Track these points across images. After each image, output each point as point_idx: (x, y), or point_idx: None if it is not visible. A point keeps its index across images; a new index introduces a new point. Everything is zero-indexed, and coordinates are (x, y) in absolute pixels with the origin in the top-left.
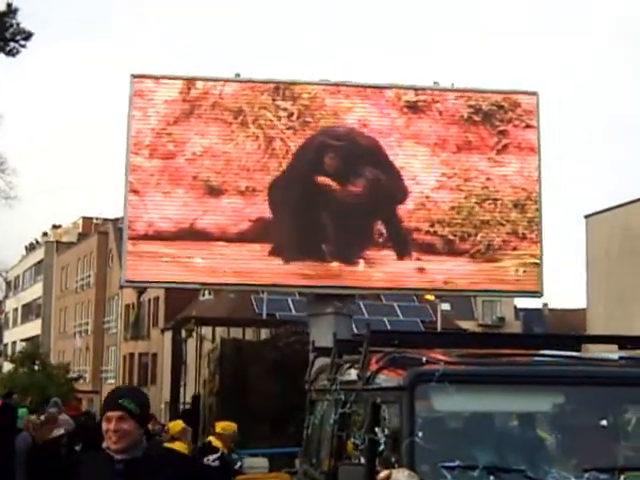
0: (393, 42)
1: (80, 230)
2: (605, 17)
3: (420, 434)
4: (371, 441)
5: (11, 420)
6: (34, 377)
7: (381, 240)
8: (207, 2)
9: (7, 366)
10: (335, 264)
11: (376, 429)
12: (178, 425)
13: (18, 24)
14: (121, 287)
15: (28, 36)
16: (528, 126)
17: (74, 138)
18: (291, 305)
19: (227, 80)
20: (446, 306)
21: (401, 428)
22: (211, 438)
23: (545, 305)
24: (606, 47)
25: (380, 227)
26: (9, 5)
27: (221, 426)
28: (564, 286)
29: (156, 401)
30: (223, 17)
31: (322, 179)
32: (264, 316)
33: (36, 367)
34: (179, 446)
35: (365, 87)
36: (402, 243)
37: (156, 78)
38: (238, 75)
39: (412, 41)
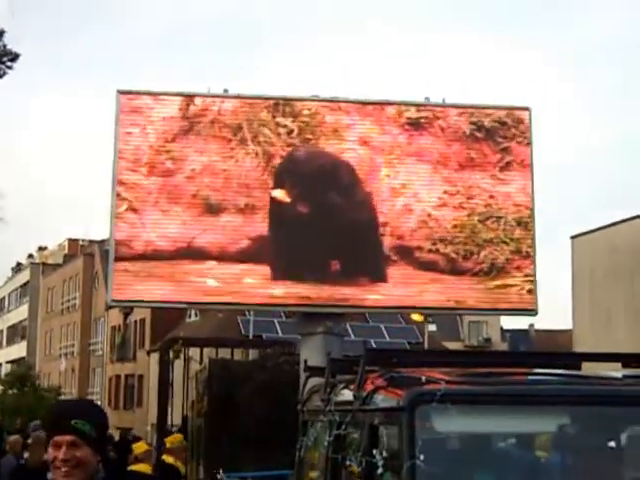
0: (389, 58)
1: (66, 252)
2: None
3: (421, 457)
4: (369, 464)
5: None
6: (23, 399)
7: (388, 255)
8: (199, 14)
9: None
10: (330, 285)
11: (374, 451)
12: (142, 447)
13: (5, 46)
14: (108, 308)
15: (14, 57)
16: (530, 143)
17: (62, 157)
18: (278, 327)
19: (226, 96)
20: (432, 327)
21: (401, 450)
22: (164, 457)
23: (531, 326)
24: (592, 64)
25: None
26: None
27: (169, 440)
28: (550, 306)
29: (142, 424)
30: (217, 31)
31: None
32: (251, 337)
33: (26, 389)
34: (143, 467)
35: (366, 103)
36: (405, 257)
37: (152, 94)
38: (226, 91)
39: (407, 56)
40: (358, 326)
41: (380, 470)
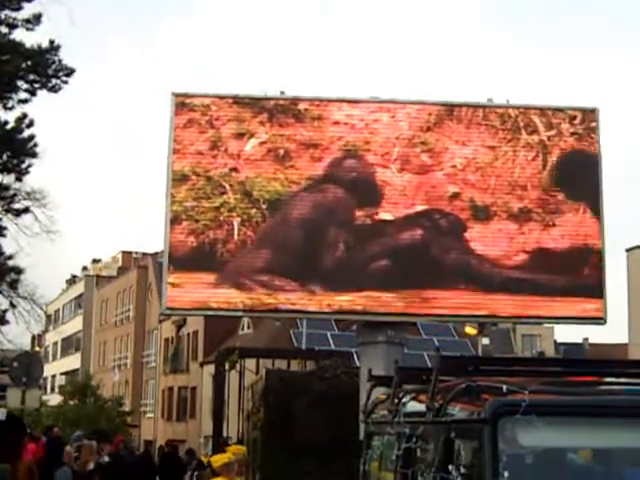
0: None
1: (120, 264)
2: None
3: (505, 474)
4: None
5: (54, 454)
6: (84, 410)
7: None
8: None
9: (55, 398)
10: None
11: (449, 467)
12: (221, 459)
13: (60, 60)
14: (161, 315)
15: (70, 72)
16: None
17: (117, 169)
18: (330, 339)
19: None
20: (485, 340)
21: (483, 467)
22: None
23: (586, 339)
24: None
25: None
26: (52, 42)
27: (231, 450)
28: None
29: (195, 435)
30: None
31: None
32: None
33: (87, 400)
34: None
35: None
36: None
37: (210, 97)
38: (283, 93)
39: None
40: (411, 339)
41: None
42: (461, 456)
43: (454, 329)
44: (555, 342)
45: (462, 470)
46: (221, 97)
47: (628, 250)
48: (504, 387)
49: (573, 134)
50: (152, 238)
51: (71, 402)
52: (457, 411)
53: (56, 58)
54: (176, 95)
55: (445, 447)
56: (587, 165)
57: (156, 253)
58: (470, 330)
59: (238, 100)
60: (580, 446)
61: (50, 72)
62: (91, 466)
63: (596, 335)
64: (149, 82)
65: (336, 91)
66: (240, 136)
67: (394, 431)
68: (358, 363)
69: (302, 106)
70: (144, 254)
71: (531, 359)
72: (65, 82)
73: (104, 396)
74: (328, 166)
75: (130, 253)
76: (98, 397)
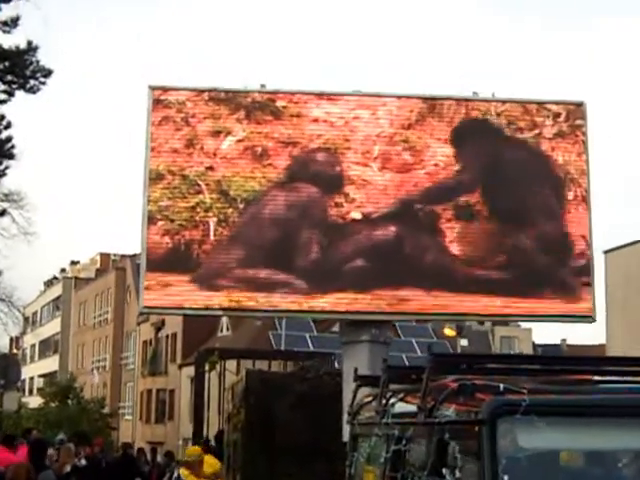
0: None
1: (98, 266)
2: None
3: (505, 478)
4: None
5: (38, 457)
6: (65, 411)
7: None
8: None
9: (35, 400)
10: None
11: (443, 471)
12: (195, 451)
13: (38, 61)
14: (140, 315)
15: (48, 73)
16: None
17: (95, 170)
18: (309, 341)
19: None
20: (464, 342)
21: (480, 471)
22: (180, 470)
23: (563, 340)
24: None
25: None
26: (29, 43)
27: (188, 454)
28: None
29: (174, 438)
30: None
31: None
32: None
33: (69, 401)
34: None
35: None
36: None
37: (190, 90)
38: (263, 86)
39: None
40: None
41: None
42: (456, 459)
43: (433, 331)
44: (533, 343)
45: (457, 474)
46: (199, 91)
47: (606, 252)
48: (501, 386)
49: (556, 135)
50: (131, 240)
51: (52, 404)
52: (451, 411)
53: (34, 59)
54: (153, 88)
55: (438, 449)
56: (572, 168)
57: (134, 255)
58: (449, 331)
59: (214, 97)
60: (584, 448)
61: (28, 73)
62: (67, 469)
63: (573, 336)
64: (127, 78)
65: (317, 84)
66: (216, 134)
67: (382, 433)
68: (337, 365)
69: (280, 103)
70: (122, 256)
71: (527, 356)
72: (43, 83)
73: (86, 398)
74: (301, 163)
75: (108, 255)
76: (80, 399)
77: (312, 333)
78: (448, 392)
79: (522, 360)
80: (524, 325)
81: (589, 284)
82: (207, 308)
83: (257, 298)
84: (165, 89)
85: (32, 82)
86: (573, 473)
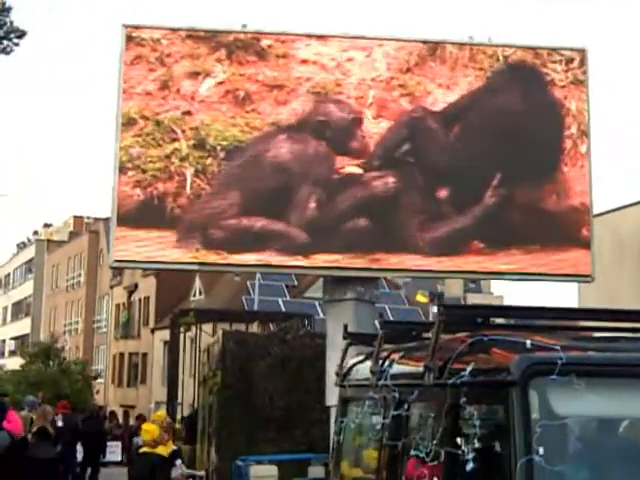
0: None
1: (71, 229)
2: None
3: (540, 450)
4: (451, 456)
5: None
6: (47, 373)
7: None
8: None
9: (10, 362)
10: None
11: (458, 440)
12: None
13: (12, 22)
14: (112, 269)
15: (22, 35)
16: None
17: (69, 129)
18: (282, 305)
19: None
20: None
21: (508, 442)
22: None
23: None
24: None
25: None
26: (3, 3)
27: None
28: (555, 289)
29: (145, 401)
30: None
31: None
32: None
33: (51, 362)
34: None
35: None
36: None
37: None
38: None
39: None
40: None
41: (470, 465)
42: (474, 427)
43: (406, 298)
44: None
45: (475, 444)
46: (175, 30)
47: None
48: (528, 342)
49: (572, 83)
50: (105, 203)
51: (32, 366)
52: (468, 372)
53: (7, 20)
54: (126, 27)
55: (451, 415)
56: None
57: (107, 218)
58: (421, 298)
59: (193, 34)
60: (631, 415)
61: (1, 34)
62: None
63: (547, 304)
64: (101, 19)
65: (304, 28)
66: (194, 75)
67: (379, 396)
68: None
69: (265, 42)
70: (96, 219)
71: (555, 309)
72: (16, 44)
73: (68, 360)
74: (306, 112)
75: (82, 218)
76: (62, 360)
77: (285, 298)
78: (464, 348)
79: (550, 313)
80: (497, 293)
81: (587, 244)
82: (183, 263)
83: (235, 256)
84: (139, 27)
85: (5, 43)
86: (622, 444)
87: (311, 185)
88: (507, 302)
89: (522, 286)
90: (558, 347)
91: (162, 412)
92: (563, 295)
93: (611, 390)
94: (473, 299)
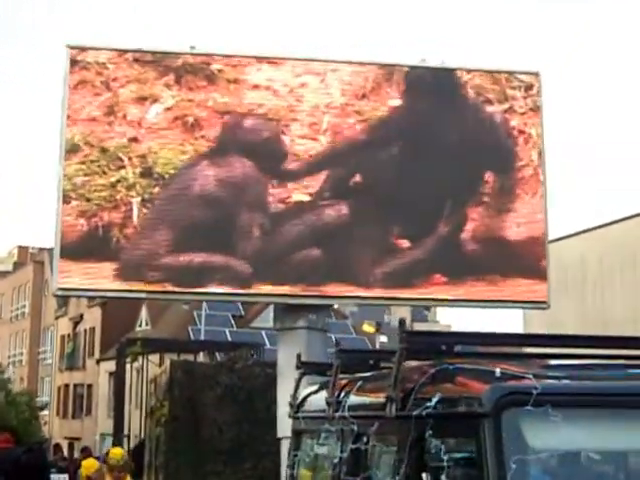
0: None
1: (16, 259)
2: None
3: None
4: None
5: None
6: None
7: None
8: None
9: None
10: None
11: (423, 476)
12: (93, 465)
13: None
14: (56, 297)
15: None
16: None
17: (12, 158)
18: (228, 336)
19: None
20: (383, 338)
21: (484, 477)
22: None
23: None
24: None
25: None
26: None
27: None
28: (501, 318)
29: (91, 433)
30: None
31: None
32: None
33: None
34: None
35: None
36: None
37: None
38: (192, 47)
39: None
40: None
41: None
42: (441, 461)
43: (352, 327)
44: None
45: None
46: (121, 51)
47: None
48: (497, 370)
49: (531, 110)
50: (49, 232)
51: None
52: (434, 403)
53: None
54: (71, 47)
55: (416, 449)
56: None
57: (52, 249)
58: (368, 328)
59: (140, 58)
60: (613, 447)
61: None
62: None
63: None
64: (46, 41)
65: (255, 51)
66: (141, 100)
67: (335, 428)
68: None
69: (215, 66)
70: (40, 249)
71: (527, 335)
72: None
73: (14, 391)
74: (234, 132)
75: (26, 248)
76: (8, 391)
77: (232, 328)
78: (426, 378)
79: (522, 340)
80: (443, 322)
81: (545, 272)
82: (130, 291)
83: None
84: (84, 48)
85: None
86: (601, 477)
87: (250, 212)
88: (454, 328)
89: (468, 314)
90: (530, 375)
91: (118, 449)
92: (508, 323)
93: (590, 421)
94: (420, 327)
